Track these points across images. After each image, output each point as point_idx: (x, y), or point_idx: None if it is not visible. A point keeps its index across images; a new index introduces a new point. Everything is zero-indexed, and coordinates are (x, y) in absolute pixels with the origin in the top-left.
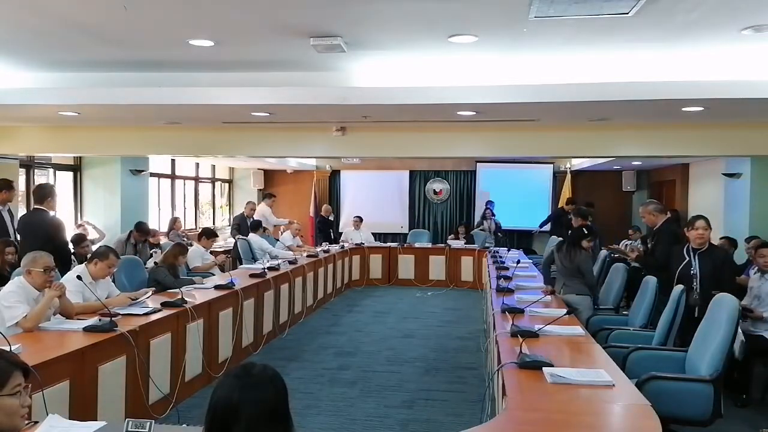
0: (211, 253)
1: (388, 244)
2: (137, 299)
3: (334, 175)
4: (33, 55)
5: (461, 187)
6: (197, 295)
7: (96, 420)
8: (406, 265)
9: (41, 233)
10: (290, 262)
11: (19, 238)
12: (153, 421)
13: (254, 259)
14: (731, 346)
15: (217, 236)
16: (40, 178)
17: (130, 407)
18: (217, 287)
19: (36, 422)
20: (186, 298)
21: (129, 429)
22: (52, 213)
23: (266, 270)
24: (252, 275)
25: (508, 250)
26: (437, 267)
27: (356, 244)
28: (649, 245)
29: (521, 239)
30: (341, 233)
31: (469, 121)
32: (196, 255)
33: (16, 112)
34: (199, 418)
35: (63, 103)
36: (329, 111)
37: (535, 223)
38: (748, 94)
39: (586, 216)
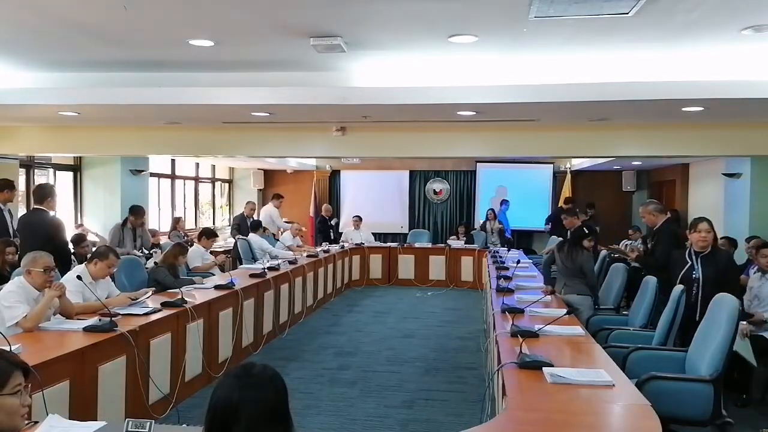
0: (211, 253)
1: (388, 244)
2: (137, 299)
3: (334, 175)
4: (33, 55)
5: (461, 187)
6: (197, 295)
7: (96, 420)
8: (406, 265)
9: (41, 233)
10: (290, 262)
11: (19, 238)
12: (153, 421)
13: (254, 259)
14: (732, 346)
15: (217, 236)
16: (40, 178)
17: (130, 407)
18: (217, 287)
19: (36, 422)
20: (186, 298)
21: (129, 429)
22: (52, 213)
23: (266, 270)
24: (252, 275)
25: (508, 250)
26: (437, 267)
27: (356, 244)
28: (649, 245)
29: (521, 239)
30: (341, 233)
31: (469, 121)
32: (196, 255)
33: (16, 112)
34: (199, 418)
35: (63, 103)
36: (329, 111)
37: (535, 223)
38: (748, 94)
39: (577, 215)
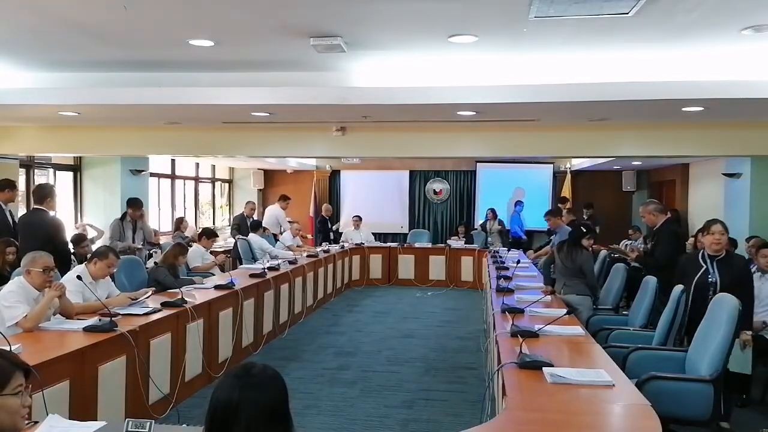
0: (211, 253)
1: (388, 244)
2: (137, 299)
3: (334, 175)
4: (33, 55)
5: (461, 187)
6: (197, 295)
7: (96, 420)
8: (406, 265)
9: (41, 233)
10: (290, 262)
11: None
12: (153, 421)
13: (254, 259)
14: (732, 346)
15: (217, 236)
16: (40, 178)
17: (130, 407)
18: (217, 287)
19: (36, 422)
20: (186, 298)
21: (129, 429)
22: (51, 213)
23: (266, 270)
24: (252, 275)
25: (508, 250)
26: (437, 267)
27: (356, 244)
28: (649, 245)
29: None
30: (341, 234)
31: (469, 121)
32: (196, 255)
33: (16, 112)
34: (199, 418)
35: (63, 103)
36: (329, 111)
37: (536, 223)
38: (748, 94)
39: (561, 216)
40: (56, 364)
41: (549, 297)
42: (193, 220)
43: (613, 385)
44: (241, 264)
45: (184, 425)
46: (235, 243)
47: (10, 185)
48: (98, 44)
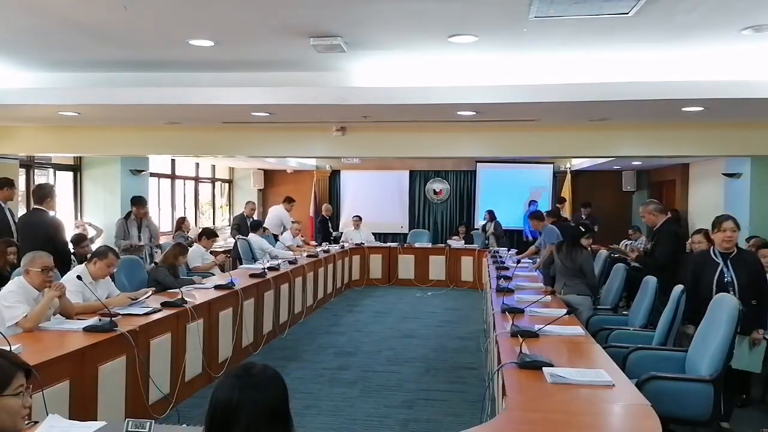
0: (211, 253)
1: (388, 244)
2: (137, 299)
3: (334, 175)
4: (33, 55)
5: (461, 187)
6: (197, 295)
7: (96, 420)
8: (406, 265)
9: (41, 233)
10: (290, 262)
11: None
12: (153, 421)
13: (254, 259)
14: (732, 346)
15: (217, 236)
16: (40, 178)
17: (130, 407)
18: (217, 287)
19: (36, 422)
20: (186, 298)
21: (129, 429)
22: (51, 213)
23: (266, 270)
24: (252, 275)
25: (509, 251)
26: (437, 267)
27: (356, 244)
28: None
29: (520, 240)
30: (341, 233)
31: (469, 121)
32: (196, 255)
33: (16, 112)
34: (199, 418)
35: (63, 103)
36: (329, 111)
37: None
38: (748, 94)
39: (544, 218)
40: (56, 364)
41: (549, 297)
42: (193, 220)
43: (613, 385)
44: (241, 264)
45: (184, 425)
46: (235, 243)
47: (9, 183)
48: (98, 44)
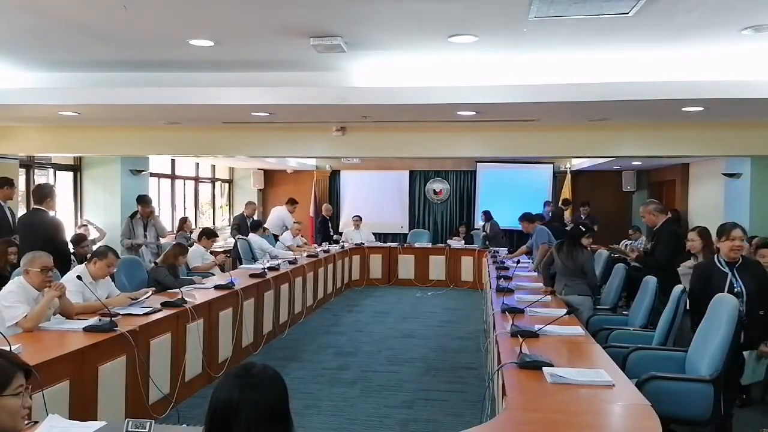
0: (211, 253)
1: (388, 244)
2: (137, 299)
3: (334, 175)
4: (33, 55)
5: (461, 187)
6: (197, 295)
7: (96, 420)
8: (406, 265)
9: (41, 233)
10: (290, 262)
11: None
12: (153, 421)
13: (254, 259)
14: (731, 346)
15: (217, 236)
16: (40, 178)
17: (130, 407)
18: (217, 287)
19: (36, 422)
20: (186, 298)
21: (129, 429)
22: (51, 213)
23: (266, 270)
24: (252, 275)
25: (508, 251)
26: (437, 267)
27: (356, 244)
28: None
29: (520, 239)
30: (341, 233)
31: (469, 121)
32: (196, 255)
33: (16, 112)
34: (199, 418)
35: (63, 103)
36: (329, 111)
37: None
38: (748, 94)
39: (534, 220)
40: (56, 364)
41: (549, 297)
42: (193, 220)
43: (613, 385)
44: (241, 264)
45: (184, 425)
46: (235, 243)
47: (8, 182)
48: (98, 44)
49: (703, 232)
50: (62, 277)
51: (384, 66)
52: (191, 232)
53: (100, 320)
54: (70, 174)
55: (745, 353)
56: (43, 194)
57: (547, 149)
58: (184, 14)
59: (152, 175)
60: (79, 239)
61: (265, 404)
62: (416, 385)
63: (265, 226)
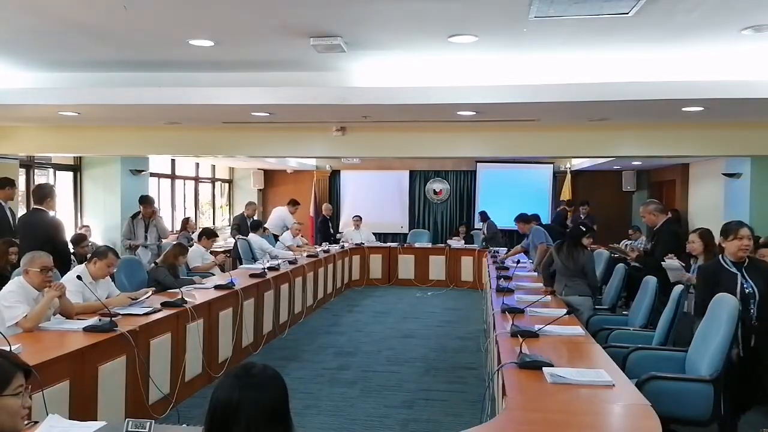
0: (211, 253)
1: (388, 244)
2: (137, 299)
3: (334, 175)
4: (33, 55)
5: (461, 187)
6: (197, 295)
7: (96, 420)
8: (406, 265)
9: (41, 233)
10: (290, 262)
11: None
12: (153, 421)
13: (254, 259)
14: (731, 346)
15: (217, 236)
16: (40, 178)
17: (130, 407)
18: (217, 287)
19: (36, 422)
20: (186, 298)
21: (129, 429)
22: (51, 213)
23: (266, 270)
24: (252, 275)
25: (508, 251)
26: (437, 267)
27: (356, 244)
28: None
29: (520, 239)
30: (341, 233)
31: (469, 121)
32: (196, 255)
33: (16, 112)
34: (199, 418)
35: (63, 103)
36: (329, 111)
37: None
38: (748, 94)
39: (529, 221)
40: (56, 364)
41: (549, 297)
42: (194, 220)
43: (613, 385)
44: (241, 264)
45: (184, 425)
46: (235, 243)
47: (9, 183)
48: (98, 44)
49: (705, 234)
50: (62, 277)
51: (384, 66)
52: (194, 232)
53: (100, 320)
54: (70, 174)
55: None
56: (43, 194)
57: (547, 149)
58: (184, 14)
59: (152, 175)
60: (79, 239)
61: (265, 404)
62: (416, 385)
63: (266, 226)
